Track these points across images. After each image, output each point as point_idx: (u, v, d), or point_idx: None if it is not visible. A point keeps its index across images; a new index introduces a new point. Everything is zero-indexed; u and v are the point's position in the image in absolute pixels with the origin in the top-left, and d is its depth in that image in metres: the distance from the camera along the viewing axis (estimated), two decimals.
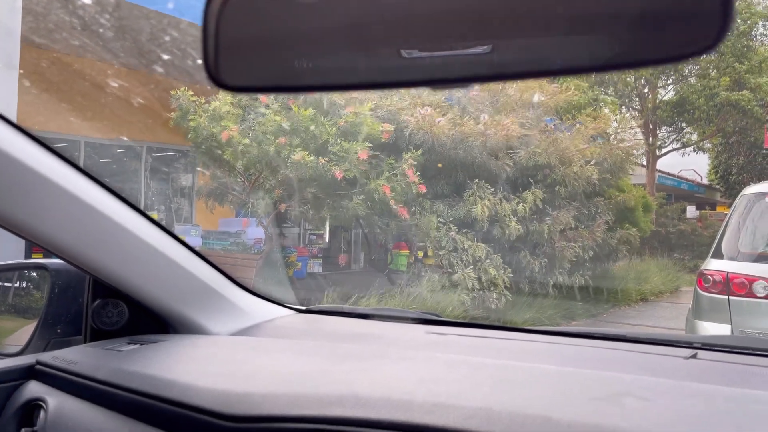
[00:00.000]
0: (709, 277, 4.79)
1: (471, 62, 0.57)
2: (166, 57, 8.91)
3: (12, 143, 1.03)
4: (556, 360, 1.08)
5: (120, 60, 9.01)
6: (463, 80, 0.64)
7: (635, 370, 1.02)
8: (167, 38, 8.35)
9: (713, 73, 15.37)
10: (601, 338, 1.30)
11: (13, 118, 1.09)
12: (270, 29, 0.59)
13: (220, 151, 7.19)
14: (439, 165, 8.03)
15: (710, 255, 5.07)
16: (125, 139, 9.79)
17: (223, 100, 7.11)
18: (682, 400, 0.82)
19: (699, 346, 1.21)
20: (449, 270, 7.36)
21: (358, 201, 6.98)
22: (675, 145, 18.33)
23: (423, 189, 7.28)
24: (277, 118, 6.81)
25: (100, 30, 7.89)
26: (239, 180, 7.62)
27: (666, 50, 0.52)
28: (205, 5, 0.56)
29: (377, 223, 7.76)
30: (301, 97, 7.10)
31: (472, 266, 7.31)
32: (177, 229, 9.31)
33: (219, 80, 0.60)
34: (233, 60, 0.59)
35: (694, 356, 1.14)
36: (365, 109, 7.10)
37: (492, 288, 7.36)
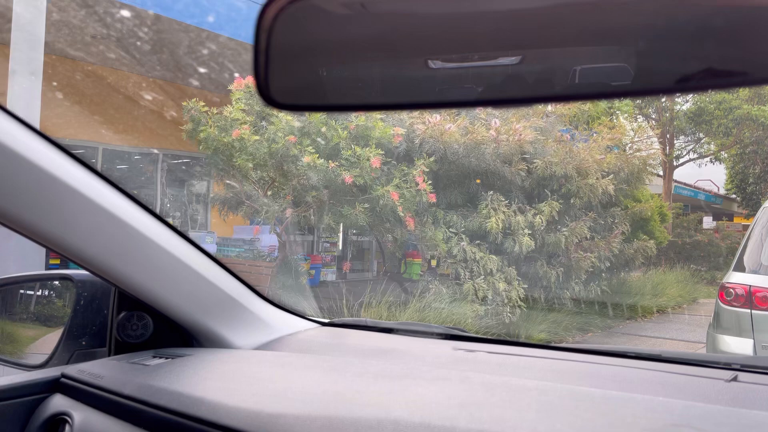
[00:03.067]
0: (731, 290, 4.72)
1: (503, 82, 0.56)
2: (183, 65, 8.99)
3: (38, 152, 1.02)
4: (596, 382, 1.05)
5: (138, 68, 9.11)
6: (495, 102, 0.63)
7: (678, 393, 0.99)
8: (181, 46, 8.42)
9: None
10: (635, 357, 1.26)
11: (36, 125, 1.08)
12: (317, 47, 0.58)
13: (231, 159, 7.21)
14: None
15: (732, 268, 4.99)
16: (142, 146, 9.87)
17: (235, 107, 7.14)
18: (740, 430, 0.78)
19: (738, 367, 1.17)
20: (462, 279, 7.32)
21: (362, 208, 6.95)
22: (692, 156, 18.19)
23: (433, 198, 7.24)
24: (289, 118, 6.83)
25: (120, 38, 7.98)
26: (253, 187, 7.64)
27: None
28: (256, 22, 0.55)
29: (386, 232, 7.73)
30: None
31: (482, 277, 7.26)
32: (192, 236, 9.36)
33: (269, 98, 0.59)
34: (282, 78, 0.59)
35: (735, 378, 1.10)
36: (375, 113, 7.10)
37: (507, 300, 7.30)
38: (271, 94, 0.59)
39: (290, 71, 0.59)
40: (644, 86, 0.52)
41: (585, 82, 0.53)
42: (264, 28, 0.55)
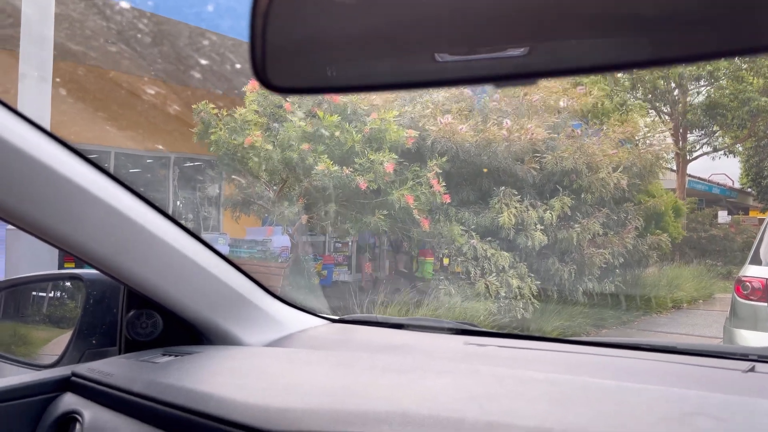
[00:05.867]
0: (748, 284, 4.67)
1: (508, 64, 0.55)
2: (194, 68, 9.03)
3: (47, 152, 1.03)
4: (609, 374, 1.03)
5: (150, 72, 9.16)
6: (499, 78, 0.61)
7: (694, 384, 0.97)
8: (194, 50, 8.46)
9: (746, 73, 14.98)
10: (649, 350, 1.24)
11: (46, 127, 1.08)
12: (314, 30, 0.58)
13: (243, 161, 7.23)
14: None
15: (748, 261, 4.93)
16: (154, 149, 9.94)
17: (248, 108, 7.16)
18: (757, 419, 0.76)
19: (755, 358, 1.15)
20: (473, 278, 7.30)
21: (381, 215, 6.95)
22: (706, 149, 17.99)
23: (447, 199, 7.24)
24: (302, 123, 6.83)
25: (130, 42, 8.03)
26: (264, 189, 7.66)
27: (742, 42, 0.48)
28: (252, 5, 0.54)
29: (401, 233, 7.74)
30: (325, 104, 7.15)
31: (495, 274, 7.23)
32: (205, 237, 9.39)
33: (266, 81, 0.58)
34: (279, 60, 0.58)
35: (752, 369, 1.08)
36: (390, 115, 7.10)
37: (519, 296, 7.27)
38: (268, 78, 0.58)
39: (287, 54, 0.58)
40: (654, 56, 0.51)
41: (595, 56, 0.52)
42: (260, 12, 0.55)
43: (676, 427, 0.73)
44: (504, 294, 7.20)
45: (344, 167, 6.72)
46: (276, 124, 7.19)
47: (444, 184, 7.18)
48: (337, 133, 6.85)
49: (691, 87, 16.37)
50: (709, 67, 14.34)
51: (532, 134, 7.73)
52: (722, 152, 18.49)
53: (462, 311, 6.90)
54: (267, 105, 7.23)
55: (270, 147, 6.84)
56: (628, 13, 0.50)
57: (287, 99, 7.05)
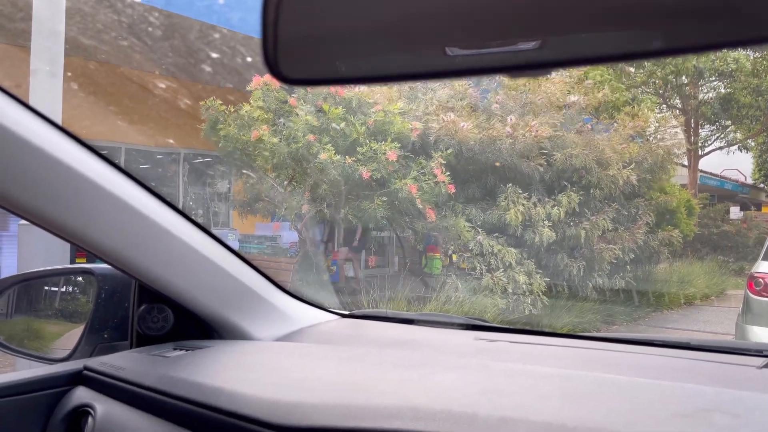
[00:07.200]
0: (761, 280, 4.63)
1: (519, 56, 0.55)
2: (205, 63, 9.06)
3: (60, 147, 1.03)
4: (622, 369, 1.02)
5: (160, 67, 9.20)
6: (510, 69, 0.61)
7: (708, 380, 0.96)
8: (205, 44, 8.48)
9: (760, 68, 14.82)
10: (663, 345, 1.23)
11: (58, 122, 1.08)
12: (325, 22, 0.58)
13: (251, 157, 7.27)
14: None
15: (761, 257, 4.90)
16: (165, 144, 9.98)
17: (253, 105, 7.20)
18: None
19: None
20: (480, 274, 7.29)
21: (380, 202, 6.95)
22: (718, 144, 17.83)
23: (452, 189, 7.22)
24: (308, 117, 6.85)
25: (141, 37, 8.06)
26: (272, 184, 7.69)
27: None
28: None
29: (406, 225, 7.74)
30: (330, 99, 7.17)
31: (502, 270, 7.22)
32: (215, 233, 9.44)
33: (278, 72, 0.58)
34: (291, 52, 0.58)
35: (766, 365, 1.07)
36: (394, 107, 7.10)
37: (527, 292, 7.25)
38: (280, 70, 0.58)
39: (299, 46, 0.58)
40: (671, 45, 0.50)
41: (608, 46, 0.51)
42: (272, 3, 0.54)
43: (690, 423, 0.72)
44: (511, 290, 7.18)
45: (347, 157, 6.73)
46: (282, 120, 7.22)
47: (448, 174, 7.17)
48: (341, 125, 6.87)
49: (705, 81, 16.20)
50: (731, 64, 14.15)
51: (537, 131, 7.68)
52: (735, 147, 18.33)
53: (471, 307, 6.90)
54: (271, 101, 7.26)
55: (276, 140, 6.87)
56: (640, 2, 0.49)
57: (292, 94, 7.08)
